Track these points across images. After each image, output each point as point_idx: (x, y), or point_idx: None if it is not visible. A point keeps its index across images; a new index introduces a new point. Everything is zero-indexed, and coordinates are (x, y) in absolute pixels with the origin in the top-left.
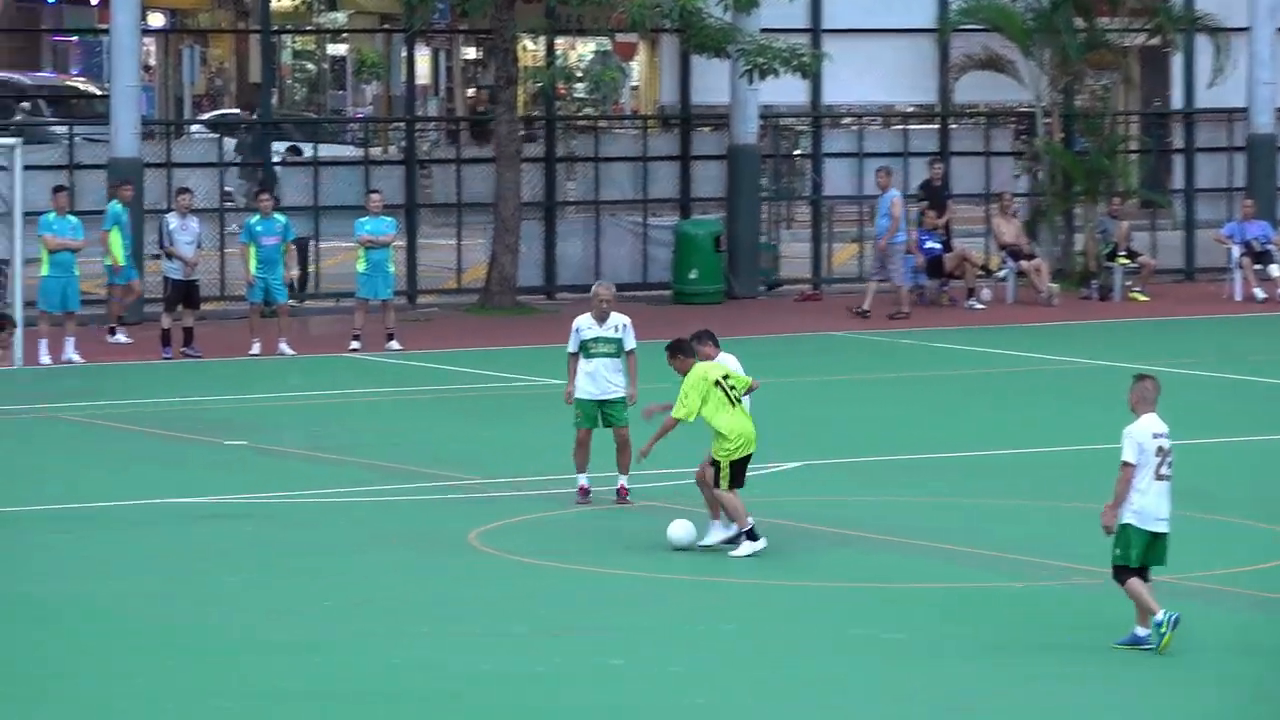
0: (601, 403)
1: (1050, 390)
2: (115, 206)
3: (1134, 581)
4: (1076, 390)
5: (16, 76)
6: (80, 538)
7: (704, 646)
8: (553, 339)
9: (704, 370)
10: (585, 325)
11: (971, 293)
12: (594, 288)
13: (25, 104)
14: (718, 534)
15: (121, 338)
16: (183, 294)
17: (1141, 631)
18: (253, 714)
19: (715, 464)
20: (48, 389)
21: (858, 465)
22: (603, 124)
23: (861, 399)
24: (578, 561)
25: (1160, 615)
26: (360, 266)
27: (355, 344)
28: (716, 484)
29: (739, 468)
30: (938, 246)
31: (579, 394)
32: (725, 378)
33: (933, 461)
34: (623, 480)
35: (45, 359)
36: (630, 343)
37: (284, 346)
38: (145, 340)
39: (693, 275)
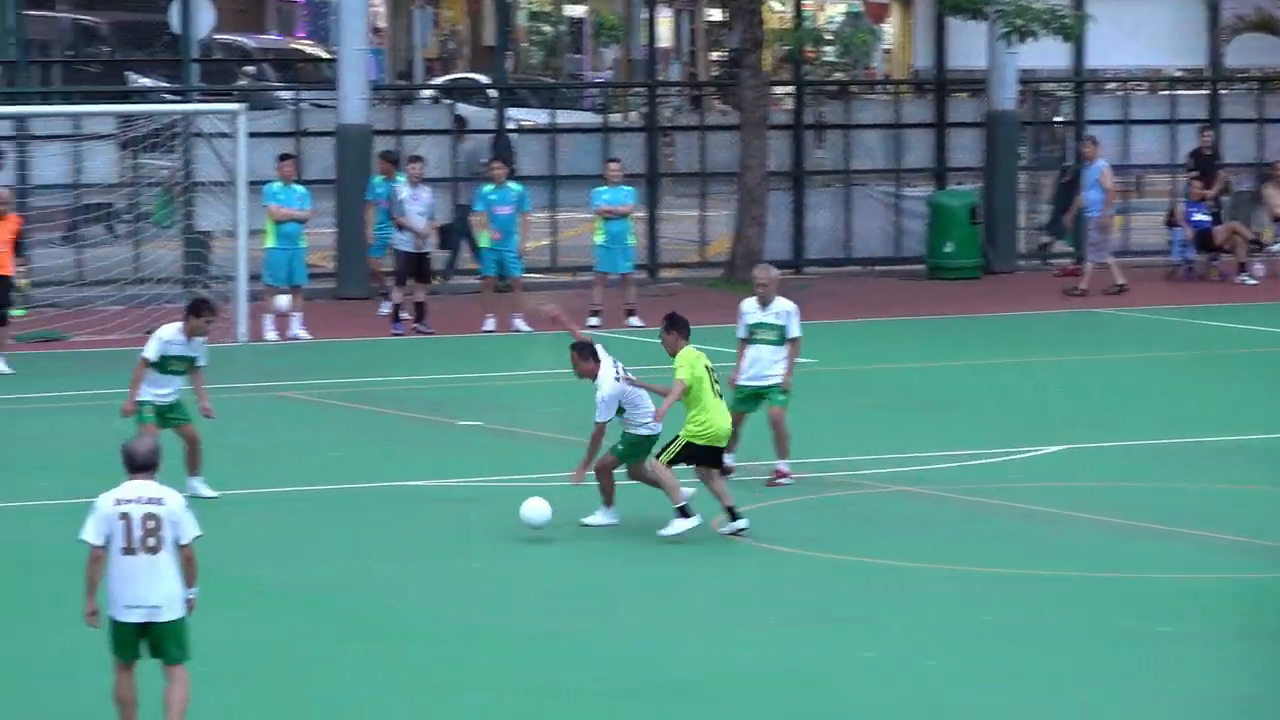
0: (759, 389)
1: None
2: (375, 179)
3: None
4: None
5: (240, 40)
6: (307, 520)
7: (960, 639)
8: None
9: (696, 354)
10: (749, 310)
11: (1243, 267)
12: (754, 270)
13: (249, 68)
14: (600, 519)
15: (385, 309)
16: (413, 267)
17: None
18: (477, 710)
19: (674, 438)
20: (274, 366)
21: (1119, 449)
22: (853, 89)
23: (1123, 379)
24: (826, 549)
25: None
26: (598, 239)
27: (593, 320)
28: (660, 454)
29: (697, 454)
30: (1207, 219)
31: (739, 379)
32: (710, 368)
33: (1196, 446)
34: (781, 464)
35: (271, 335)
36: (794, 330)
37: (519, 323)
38: (374, 316)
39: (948, 249)
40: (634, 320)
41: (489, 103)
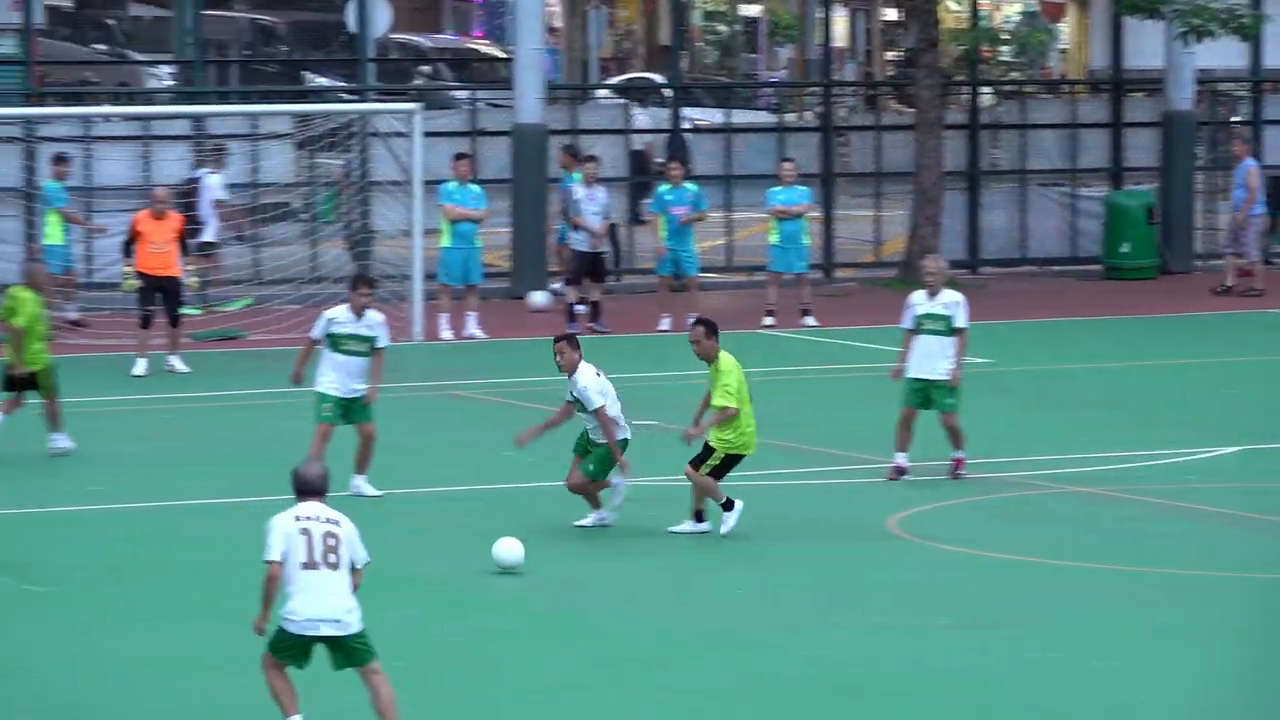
0: (927, 384)
1: None
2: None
3: None
4: None
5: (416, 39)
6: (482, 519)
7: (1132, 640)
8: (973, 315)
9: (736, 364)
10: (918, 301)
11: None
12: (923, 260)
13: (425, 68)
14: (593, 518)
15: (554, 288)
16: (588, 266)
17: None
18: (660, 706)
19: (708, 450)
20: (449, 365)
21: None
22: (1029, 89)
23: None
24: (1000, 549)
25: None
26: (773, 239)
27: (768, 320)
28: (698, 466)
29: (730, 464)
30: None
31: (907, 372)
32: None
33: None
34: (958, 453)
35: (446, 334)
36: (960, 320)
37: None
38: (551, 314)
39: (1124, 249)
40: (809, 320)
41: (664, 102)
